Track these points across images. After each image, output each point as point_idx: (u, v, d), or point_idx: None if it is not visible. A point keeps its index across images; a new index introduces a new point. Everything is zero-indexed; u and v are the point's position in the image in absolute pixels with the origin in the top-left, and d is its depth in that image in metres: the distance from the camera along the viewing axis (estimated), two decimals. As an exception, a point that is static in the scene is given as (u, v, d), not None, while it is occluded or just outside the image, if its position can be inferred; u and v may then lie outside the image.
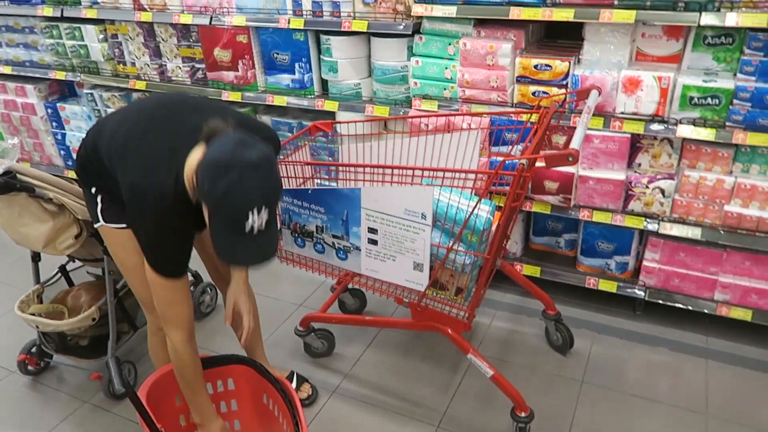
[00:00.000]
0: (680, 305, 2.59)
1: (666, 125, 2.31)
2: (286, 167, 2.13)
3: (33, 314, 2.31)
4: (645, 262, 2.60)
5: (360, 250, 2.06)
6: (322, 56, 2.93)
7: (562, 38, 2.75)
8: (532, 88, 2.48)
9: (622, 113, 2.37)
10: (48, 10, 3.53)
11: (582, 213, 2.58)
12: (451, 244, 1.89)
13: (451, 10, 2.48)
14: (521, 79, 2.49)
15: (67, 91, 4.17)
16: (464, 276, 2.00)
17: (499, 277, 2.52)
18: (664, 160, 2.44)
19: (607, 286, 2.69)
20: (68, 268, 2.59)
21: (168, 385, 1.86)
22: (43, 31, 3.74)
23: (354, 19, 2.72)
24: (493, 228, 1.94)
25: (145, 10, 3.23)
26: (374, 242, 2.02)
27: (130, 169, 1.62)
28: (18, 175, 1.97)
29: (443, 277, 2.08)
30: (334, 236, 2.09)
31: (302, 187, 2.27)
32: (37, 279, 2.48)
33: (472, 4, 2.46)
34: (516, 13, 2.36)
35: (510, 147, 2.56)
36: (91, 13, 3.39)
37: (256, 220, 1.41)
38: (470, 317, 2.05)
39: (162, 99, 1.83)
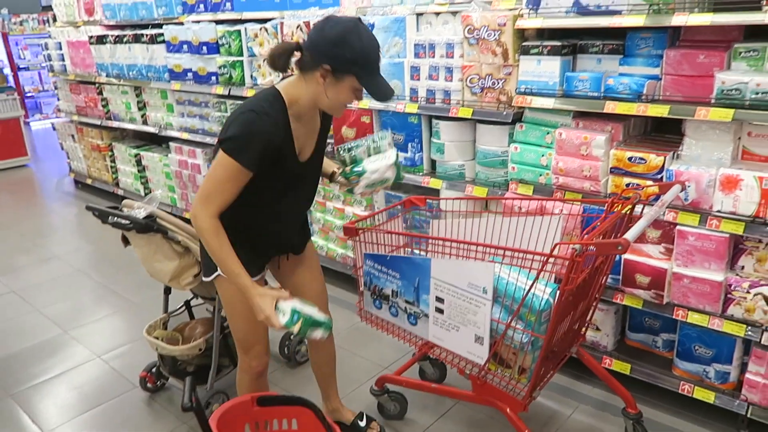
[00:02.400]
0: (791, 430, 2.32)
1: (770, 228, 2.18)
2: (376, 234, 2.35)
3: (155, 338, 2.73)
4: (748, 375, 2.38)
5: (428, 317, 2.19)
6: (432, 138, 3.19)
7: (671, 132, 2.73)
8: (626, 180, 2.49)
9: (719, 212, 2.28)
10: (220, 89, 4.26)
11: (676, 312, 2.46)
12: (509, 320, 1.95)
13: (549, 102, 2.61)
14: (615, 171, 2.51)
15: (227, 156, 4.88)
16: (525, 355, 2.03)
17: (587, 369, 2.47)
18: (772, 265, 2.28)
19: (703, 395, 2.49)
20: (192, 303, 3.01)
21: (240, 412, 2.09)
22: (214, 105, 4.48)
23: (462, 106, 2.96)
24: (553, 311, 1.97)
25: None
26: (441, 311, 2.14)
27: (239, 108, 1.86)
28: (158, 219, 2.42)
29: (506, 354, 2.12)
30: (407, 301, 2.25)
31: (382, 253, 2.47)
32: (166, 309, 2.92)
33: (570, 97, 2.57)
34: (611, 107, 2.43)
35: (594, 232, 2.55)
36: (250, 93, 4.02)
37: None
38: (528, 398, 2.05)
39: None
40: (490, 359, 2.05)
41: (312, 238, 3.97)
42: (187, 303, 2.99)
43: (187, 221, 2.55)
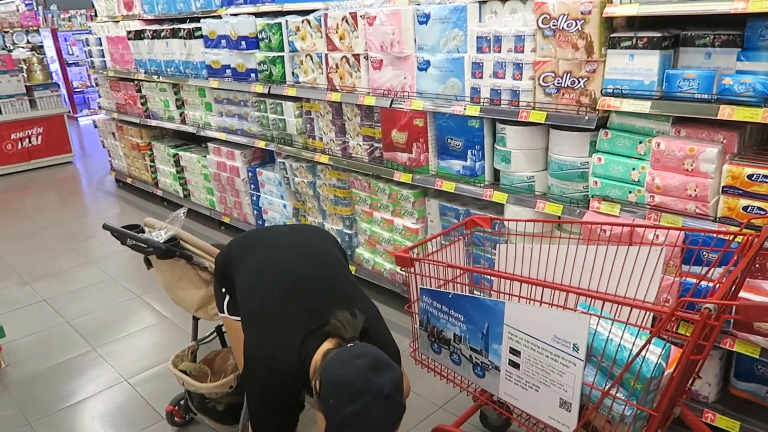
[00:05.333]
0: None
1: None
2: (427, 266, 1.97)
3: (182, 371, 2.42)
4: None
5: (499, 370, 1.80)
6: (496, 145, 2.77)
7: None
8: (744, 201, 2.02)
9: None
10: (259, 87, 3.94)
11: (805, 365, 1.99)
12: (607, 387, 1.54)
13: (644, 106, 2.17)
14: (729, 190, 2.05)
15: (267, 158, 4.58)
16: (624, 427, 1.61)
17: (678, 424, 2.03)
18: None
19: (838, 469, 2.02)
20: (224, 329, 2.70)
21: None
22: (253, 105, 4.17)
23: (533, 109, 2.53)
24: (665, 377, 1.54)
25: (336, 90, 3.41)
26: (516, 365, 1.75)
27: (254, 338, 1.68)
28: (181, 242, 2.10)
29: (598, 422, 1.71)
30: (473, 349, 1.86)
31: (444, 289, 2.08)
32: (195, 336, 2.61)
33: (672, 99, 2.12)
34: (727, 113, 1.96)
35: (708, 269, 2.10)
36: (291, 91, 3.68)
37: None
38: (627, 481, 1.64)
39: (297, 258, 1.85)
40: (579, 429, 1.65)
41: (357, 250, 3.65)
42: (218, 329, 2.68)
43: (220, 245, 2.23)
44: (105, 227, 2.20)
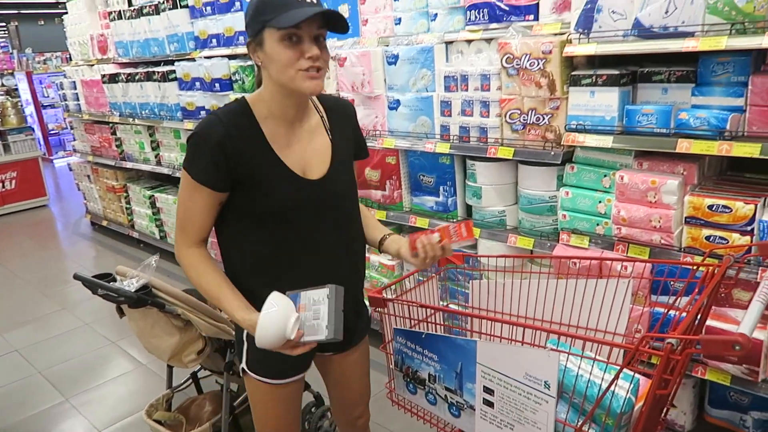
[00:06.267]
0: None
1: None
2: (400, 306, 1.97)
3: (156, 420, 2.37)
4: None
5: (474, 409, 1.79)
6: (467, 181, 2.82)
7: (753, 171, 2.32)
8: (706, 231, 2.08)
9: (831, 273, 1.86)
10: (233, 128, 3.95)
11: (775, 391, 2.02)
12: (579, 424, 1.55)
13: (606, 140, 2.23)
14: (692, 221, 2.11)
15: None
16: (599, 463, 1.61)
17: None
18: None
19: (815, 494, 2.03)
20: (199, 375, 2.66)
21: None
22: (228, 146, 4.18)
23: (501, 145, 2.59)
24: (636, 411, 1.56)
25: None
26: (490, 404, 1.74)
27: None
28: (153, 290, 2.08)
29: (574, 458, 1.71)
30: (447, 389, 1.85)
31: (418, 328, 2.09)
32: (170, 384, 2.57)
33: (632, 134, 2.19)
34: (684, 146, 2.03)
35: (674, 298, 2.14)
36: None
37: None
38: None
39: None
40: (554, 467, 1.64)
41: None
42: (193, 375, 2.64)
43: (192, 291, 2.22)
44: (76, 277, 2.18)
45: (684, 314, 1.77)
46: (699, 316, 1.72)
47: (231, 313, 1.52)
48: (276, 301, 1.43)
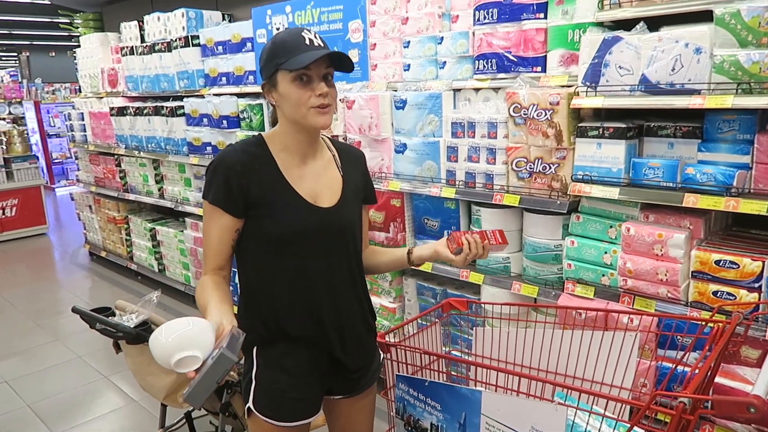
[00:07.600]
0: None
1: None
2: (404, 352, 1.94)
3: (147, 462, 2.30)
4: None
5: (477, 462, 1.74)
6: (471, 226, 2.82)
7: (759, 227, 2.32)
8: (713, 287, 2.07)
9: (841, 334, 1.84)
10: (239, 165, 3.97)
11: (784, 454, 1.97)
12: (586, 483, 1.51)
13: (613, 192, 2.24)
14: (698, 275, 2.10)
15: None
16: None
17: None
18: None
19: None
20: (193, 415, 2.60)
21: None
22: (233, 182, 4.20)
23: (507, 192, 2.60)
24: (645, 472, 1.51)
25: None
26: (494, 457, 1.70)
27: None
28: (152, 326, 2.05)
29: None
30: (450, 440, 1.81)
31: (420, 375, 2.05)
32: (162, 423, 2.51)
33: (639, 186, 2.20)
34: (691, 200, 2.04)
35: (683, 353, 2.11)
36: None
37: (311, 35, 1.53)
38: None
39: None
40: None
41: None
42: (187, 415, 2.58)
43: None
44: (74, 311, 2.15)
45: (695, 371, 1.74)
46: (708, 374, 1.69)
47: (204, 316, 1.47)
48: (197, 325, 1.25)
